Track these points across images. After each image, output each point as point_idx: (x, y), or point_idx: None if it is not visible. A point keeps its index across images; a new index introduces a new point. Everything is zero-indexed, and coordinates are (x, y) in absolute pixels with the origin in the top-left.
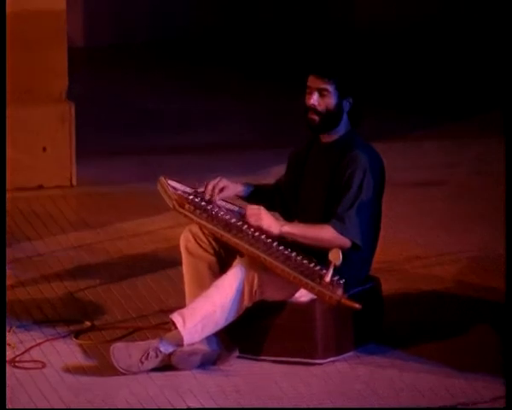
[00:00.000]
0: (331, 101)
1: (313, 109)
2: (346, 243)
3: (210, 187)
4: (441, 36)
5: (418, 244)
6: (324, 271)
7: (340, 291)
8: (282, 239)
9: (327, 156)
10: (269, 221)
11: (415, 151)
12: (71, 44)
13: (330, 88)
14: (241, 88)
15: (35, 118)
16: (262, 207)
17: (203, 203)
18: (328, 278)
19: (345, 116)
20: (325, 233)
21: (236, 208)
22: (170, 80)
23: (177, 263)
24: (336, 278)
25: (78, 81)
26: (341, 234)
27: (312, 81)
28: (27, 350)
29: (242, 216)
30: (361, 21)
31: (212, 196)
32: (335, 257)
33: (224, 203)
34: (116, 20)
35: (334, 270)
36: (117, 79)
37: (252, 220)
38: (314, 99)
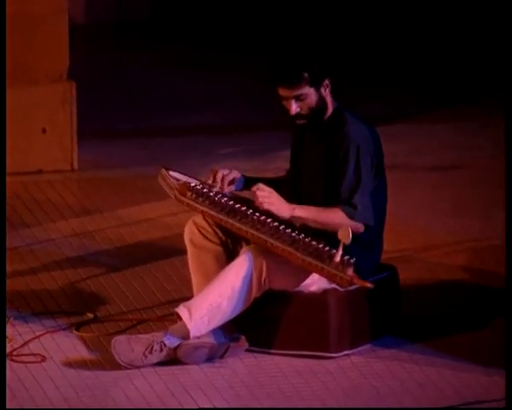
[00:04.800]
0: (311, 99)
1: (298, 116)
2: (359, 227)
3: (219, 177)
4: (454, 16)
5: (437, 232)
6: (334, 251)
7: (350, 271)
8: (288, 222)
9: (320, 137)
10: (278, 205)
11: (431, 133)
12: (72, 22)
13: (305, 90)
14: (246, 67)
15: (34, 98)
16: (272, 191)
17: (205, 190)
18: (337, 258)
19: (329, 97)
20: (336, 218)
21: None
22: (173, 59)
23: (181, 251)
24: (346, 257)
25: (80, 60)
26: (352, 219)
27: (284, 91)
28: (26, 343)
29: (249, 198)
30: None
31: (222, 187)
32: (344, 236)
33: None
34: None
35: (344, 250)
36: (119, 57)
37: (261, 202)
38: (294, 108)
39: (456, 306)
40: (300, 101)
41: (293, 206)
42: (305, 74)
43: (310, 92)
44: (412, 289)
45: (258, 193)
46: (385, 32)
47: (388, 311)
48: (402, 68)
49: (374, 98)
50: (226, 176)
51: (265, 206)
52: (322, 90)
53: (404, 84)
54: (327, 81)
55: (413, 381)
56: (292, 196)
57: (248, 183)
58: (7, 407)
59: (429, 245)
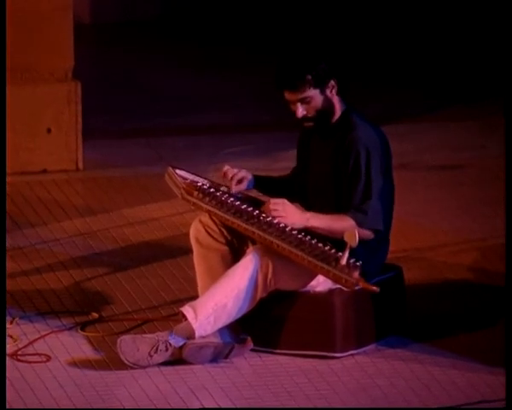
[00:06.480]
0: (317, 101)
1: (304, 119)
2: (369, 234)
3: (228, 176)
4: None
5: (442, 231)
6: (340, 254)
7: (356, 274)
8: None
9: (328, 139)
10: (292, 218)
11: (436, 133)
12: (77, 21)
13: (309, 93)
14: (253, 66)
15: (39, 98)
16: (286, 201)
17: (212, 190)
18: (343, 261)
19: (335, 98)
20: (348, 227)
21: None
22: (178, 58)
23: (187, 251)
24: (353, 260)
25: (85, 60)
26: (361, 225)
27: (289, 95)
28: (31, 343)
29: (261, 208)
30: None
31: (230, 187)
32: (351, 238)
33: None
34: None
35: (351, 252)
36: (124, 57)
37: (274, 215)
38: (300, 111)
39: (462, 305)
40: (306, 104)
41: (307, 215)
42: (309, 77)
43: (315, 94)
44: (417, 289)
45: (271, 207)
46: (389, 31)
47: (393, 311)
48: (406, 68)
49: (378, 98)
50: (235, 175)
51: (279, 220)
52: (328, 91)
53: (408, 83)
54: (332, 82)
55: (418, 381)
56: (300, 197)
57: (258, 181)
58: (13, 406)
59: (435, 245)
